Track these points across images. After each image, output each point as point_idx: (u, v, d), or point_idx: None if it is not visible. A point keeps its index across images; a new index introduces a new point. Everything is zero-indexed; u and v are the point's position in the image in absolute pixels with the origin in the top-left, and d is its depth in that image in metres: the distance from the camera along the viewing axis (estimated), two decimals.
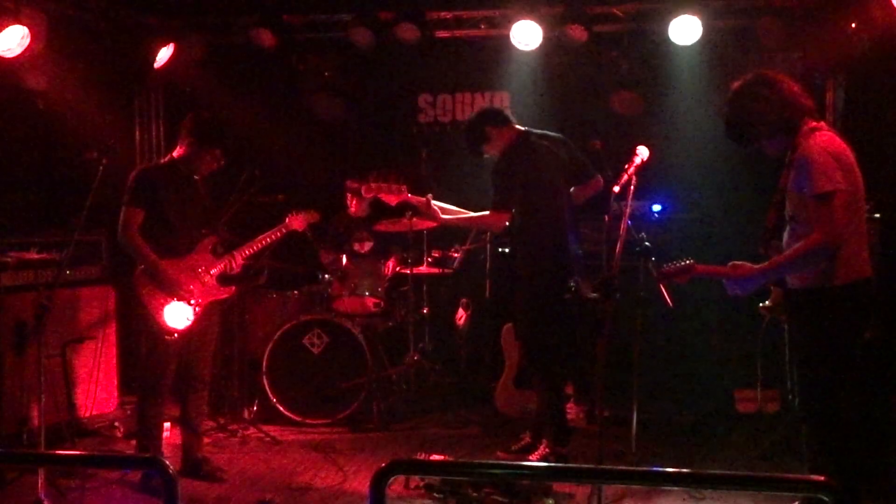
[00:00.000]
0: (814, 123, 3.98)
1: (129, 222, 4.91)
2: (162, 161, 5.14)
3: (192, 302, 5.00)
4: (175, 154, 5.11)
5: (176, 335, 4.95)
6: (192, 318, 5.01)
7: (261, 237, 5.35)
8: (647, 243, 5.13)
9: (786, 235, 4.05)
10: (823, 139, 3.90)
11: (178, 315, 4.96)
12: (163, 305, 4.93)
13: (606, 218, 4.81)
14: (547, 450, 5.22)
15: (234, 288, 5.32)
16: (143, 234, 4.92)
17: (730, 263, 4.06)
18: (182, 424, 5.27)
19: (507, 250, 5.61)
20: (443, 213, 5.35)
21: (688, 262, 4.14)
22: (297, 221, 5.57)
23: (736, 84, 4.07)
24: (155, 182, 4.97)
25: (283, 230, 5.49)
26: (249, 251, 5.29)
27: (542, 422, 5.35)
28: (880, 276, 4.37)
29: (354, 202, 7.18)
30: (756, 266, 4.00)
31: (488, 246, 6.72)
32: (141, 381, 5.11)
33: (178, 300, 4.95)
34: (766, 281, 4.08)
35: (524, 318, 5.34)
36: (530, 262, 5.25)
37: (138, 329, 5.15)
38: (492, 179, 5.27)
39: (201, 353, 5.19)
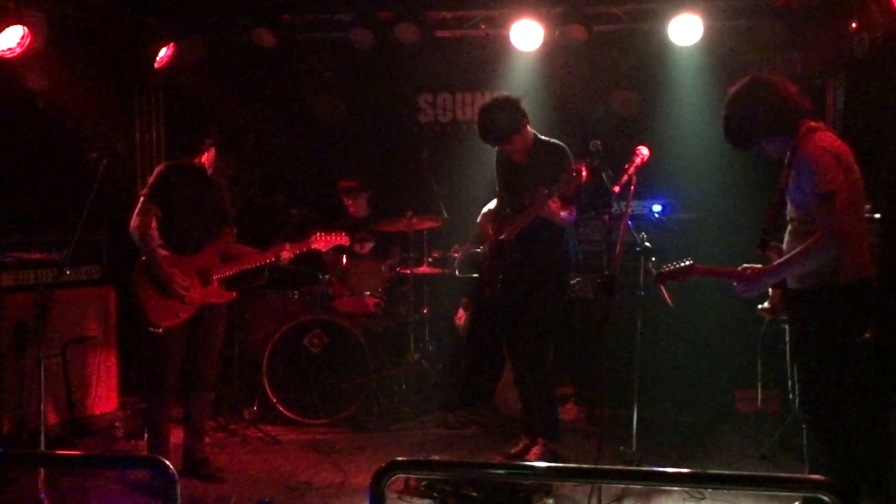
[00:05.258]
0: (812, 124, 3.98)
1: (142, 214, 5.01)
2: (188, 160, 5.22)
3: (185, 301, 5.02)
4: (201, 155, 5.19)
5: (161, 329, 4.98)
6: (181, 315, 5.02)
7: (278, 247, 5.34)
8: (647, 243, 5.15)
9: (786, 236, 4.05)
10: (823, 139, 3.91)
11: (166, 310, 4.99)
12: (152, 298, 4.98)
13: (606, 218, 4.81)
14: (543, 448, 5.22)
15: (234, 294, 5.32)
16: (157, 229, 5.04)
17: (740, 267, 4.05)
18: (184, 425, 5.28)
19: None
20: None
21: (687, 262, 4.15)
22: (321, 242, 5.51)
23: (733, 87, 4.08)
24: (172, 180, 5.06)
25: (304, 248, 5.45)
26: (262, 260, 5.30)
27: (536, 421, 5.34)
28: (880, 276, 4.37)
29: (351, 203, 7.19)
30: (762, 268, 4.00)
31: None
32: (145, 377, 5.14)
33: (170, 295, 4.98)
34: (772, 282, 4.08)
35: (534, 318, 5.24)
36: (550, 264, 5.21)
37: (140, 325, 5.18)
38: (542, 178, 5.05)
39: (206, 354, 5.20)
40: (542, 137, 5.24)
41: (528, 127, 5.19)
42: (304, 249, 5.47)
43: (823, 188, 3.78)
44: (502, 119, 5.10)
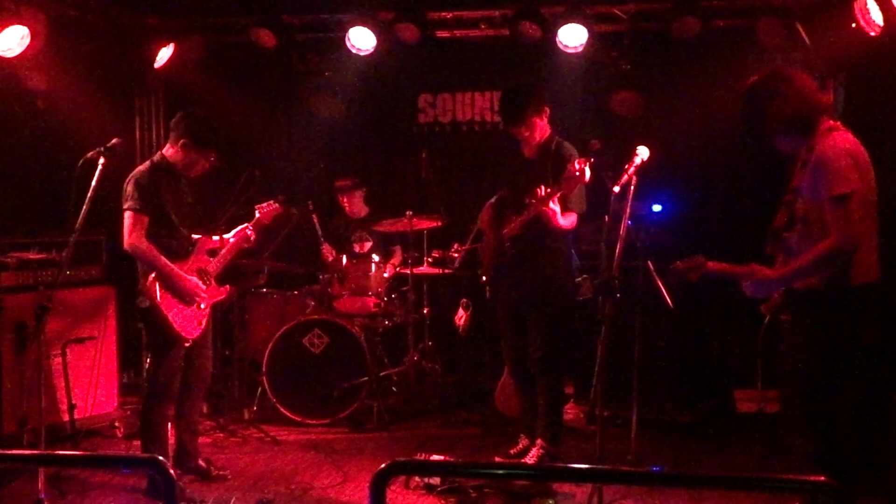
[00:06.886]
0: (830, 122, 3.92)
1: (136, 228, 4.79)
2: (153, 161, 5.02)
3: (203, 306, 5.01)
4: (166, 153, 5.01)
5: (190, 341, 4.93)
6: (202, 322, 5.02)
7: (240, 229, 5.22)
8: (647, 243, 5.15)
9: (794, 236, 3.99)
10: (841, 139, 3.84)
11: (192, 321, 4.95)
12: (180, 313, 4.89)
13: (606, 218, 4.81)
14: (542, 450, 5.22)
15: (230, 288, 5.31)
16: (148, 238, 4.84)
17: (750, 266, 4.01)
18: (180, 424, 5.25)
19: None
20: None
21: (699, 258, 4.10)
22: (263, 213, 5.34)
23: (752, 79, 4.01)
24: (156, 185, 4.89)
25: (255, 224, 5.28)
26: (236, 246, 5.20)
27: (537, 422, 5.34)
28: (880, 277, 4.36)
29: (347, 202, 7.18)
30: (773, 270, 3.95)
31: None
32: (148, 387, 5.07)
33: (193, 305, 4.94)
34: (783, 284, 4.03)
35: (547, 318, 5.22)
36: (552, 265, 5.21)
37: (145, 335, 5.12)
38: (545, 178, 5.00)
39: (202, 354, 5.18)
40: (559, 138, 5.24)
41: (548, 119, 5.21)
42: (256, 225, 5.28)
43: (839, 191, 3.72)
44: (524, 99, 5.16)
